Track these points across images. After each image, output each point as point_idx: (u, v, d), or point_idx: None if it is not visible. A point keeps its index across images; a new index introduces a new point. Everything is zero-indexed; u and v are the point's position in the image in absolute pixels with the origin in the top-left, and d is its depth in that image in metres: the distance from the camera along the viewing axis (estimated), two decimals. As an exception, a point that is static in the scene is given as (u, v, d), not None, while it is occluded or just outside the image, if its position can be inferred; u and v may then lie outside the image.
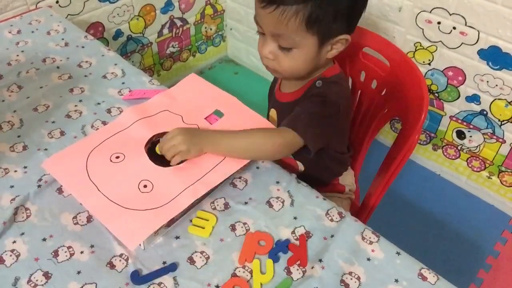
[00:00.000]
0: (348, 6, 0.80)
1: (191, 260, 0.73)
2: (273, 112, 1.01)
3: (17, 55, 1.12)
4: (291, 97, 0.94)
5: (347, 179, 1.07)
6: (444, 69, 1.51)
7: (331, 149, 0.97)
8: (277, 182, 0.85)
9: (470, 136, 1.59)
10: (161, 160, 0.82)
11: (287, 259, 0.73)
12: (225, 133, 0.84)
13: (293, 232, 0.77)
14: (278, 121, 0.99)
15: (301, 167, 0.99)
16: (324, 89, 0.89)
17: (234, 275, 0.71)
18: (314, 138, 0.85)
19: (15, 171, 0.85)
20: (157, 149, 0.83)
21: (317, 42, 0.82)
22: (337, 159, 1.01)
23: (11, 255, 0.72)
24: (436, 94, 1.58)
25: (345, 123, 0.99)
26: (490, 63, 1.39)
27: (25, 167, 0.86)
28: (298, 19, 0.78)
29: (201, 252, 0.74)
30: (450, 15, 1.38)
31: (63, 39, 1.19)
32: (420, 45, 1.51)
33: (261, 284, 0.70)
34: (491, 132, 1.52)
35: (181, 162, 0.82)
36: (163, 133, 0.87)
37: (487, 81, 1.43)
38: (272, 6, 0.78)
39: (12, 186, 0.82)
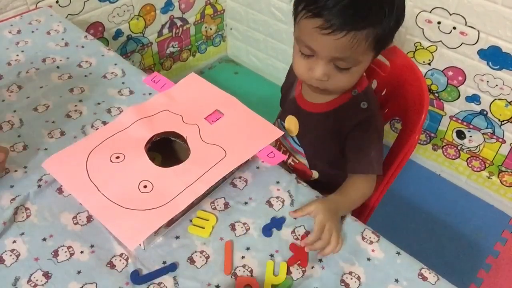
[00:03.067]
0: (403, 15, 0.78)
1: (191, 260, 0.73)
2: (292, 119, 0.97)
3: (17, 55, 1.12)
4: (320, 108, 0.91)
5: None
6: (444, 69, 1.51)
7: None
8: (277, 182, 0.85)
9: (470, 136, 1.59)
10: (161, 161, 0.82)
11: (287, 259, 0.73)
12: (343, 199, 0.82)
13: (293, 232, 0.77)
14: (300, 129, 0.96)
15: (315, 175, 0.99)
16: (370, 111, 0.87)
17: (234, 274, 0.71)
18: (382, 162, 0.88)
19: (15, 171, 0.85)
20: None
21: (373, 56, 0.80)
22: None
23: (11, 255, 0.72)
24: (436, 94, 1.58)
25: None
26: (490, 63, 1.39)
27: (25, 167, 0.86)
28: (368, 42, 0.74)
29: (201, 252, 0.74)
30: (450, 15, 1.38)
31: (63, 39, 1.19)
32: (420, 45, 1.51)
33: (271, 285, 0.70)
34: (491, 132, 1.52)
35: (181, 162, 0.82)
36: (163, 133, 0.87)
37: (487, 81, 1.43)
38: (341, 33, 0.71)
39: (12, 186, 0.82)
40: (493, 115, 1.48)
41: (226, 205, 0.81)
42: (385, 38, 0.77)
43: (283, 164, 1.01)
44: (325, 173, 0.99)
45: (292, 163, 1.01)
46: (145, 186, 0.78)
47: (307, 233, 0.77)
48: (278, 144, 1.04)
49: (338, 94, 0.89)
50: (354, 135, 0.88)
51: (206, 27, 2.08)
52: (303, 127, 0.95)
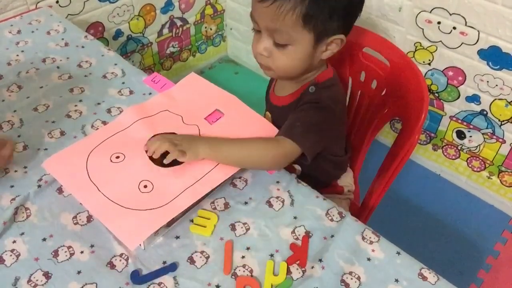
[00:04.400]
0: (345, 6, 0.81)
1: (191, 260, 0.73)
2: (267, 116, 1.01)
3: (17, 55, 1.12)
4: (284, 100, 0.94)
5: (346, 180, 1.07)
6: (444, 69, 1.51)
7: (328, 153, 0.96)
8: (277, 182, 0.85)
9: (470, 136, 1.59)
10: (161, 161, 0.82)
11: (286, 258, 0.73)
12: (223, 141, 0.83)
13: (293, 232, 0.77)
14: (273, 124, 0.98)
15: (298, 169, 0.99)
16: (317, 94, 0.88)
17: (234, 274, 0.71)
18: (311, 146, 0.84)
19: (15, 171, 0.85)
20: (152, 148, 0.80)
21: (312, 40, 0.82)
22: (334, 162, 1.01)
23: (11, 255, 0.72)
24: (436, 94, 1.58)
25: (341, 127, 0.98)
26: (490, 63, 1.39)
27: (25, 167, 0.86)
28: (295, 14, 0.77)
29: (201, 252, 0.74)
30: (450, 15, 1.38)
31: (63, 39, 1.19)
32: (420, 45, 1.51)
33: (271, 285, 0.70)
34: (491, 132, 1.52)
35: (181, 162, 0.82)
36: (163, 133, 0.87)
37: (487, 81, 1.43)
38: (268, 1, 0.77)
39: (12, 186, 0.82)
40: (493, 115, 1.48)
41: (226, 205, 0.81)
42: (317, 21, 0.79)
43: None
44: (306, 167, 0.98)
45: None
46: (145, 186, 0.78)
47: (307, 233, 0.77)
48: None
49: (298, 85, 0.91)
50: (294, 112, 0.88)
51: (206, 27, 2.08)
52: (275, 121, 0.96)
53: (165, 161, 0.79)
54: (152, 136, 0.86)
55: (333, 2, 0.79)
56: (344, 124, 1.01)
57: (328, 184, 1.05)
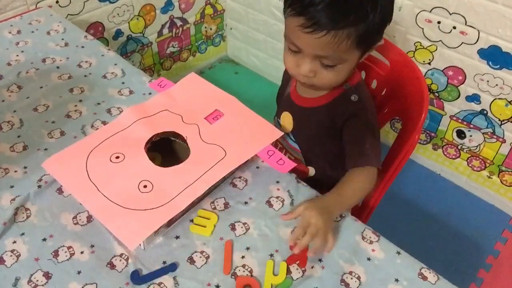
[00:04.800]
0: (390, 12, 0.80)
1: (191, 260, 0.73)
2: (287, 116, 0.97)
3: (17, 55, 1.12)
4: (313, 102, 0.92)
5: None
6: (444, 69, 1.51)
7: (343, 158, 0.96)
8: (277, 182, 0.85)
9: (470, 136, 1.59)
10: (161, 161, 0.83)
11: (285, 256, 0.73)
12: (340, 196, 0.81)
13: (293, 232, 0.77)
14: (294, 125, 0.96)
15: (311, 172, 0.99)
16: (361, 103, 0.88)
17: (234, 274, 0.71)
18: (380, 156, 0.87)
19: (15, 171, 0.85)
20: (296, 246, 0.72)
21: (361, 54, 0.81)
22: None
23: (11, 255, 0.72)
24: (436, 94, 1.58)
25: None
26: (490, 63, 1.39)
27: (25, 167, 0.86)
28: (350, 41, 0.75)
29: (201, 252, 0.74)
30: (450, 14, 1.38)
31: (63, 39, 1.19)
32: (420, 45, 1.51)
33: (271, 284, 0.70)
34: (491, 131, 1.52)
35: (181, 162, 0.82)
36: (163, 133, 0.87)
37: (487, 81, 1.43)
38: (321, 32, 0.73)
39: (12, 186, 0.82)
40: (493, 114, 1.48)
41: (226, 205, 0.81)
42: (370, 36, 0.78)
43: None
44: (321, 170, 0.99)
45: (280, 147, 1.01)
46: (145, 186, 0.78)
47: (307, 233, 0.77)
48: (275, 141, 1.04)
49: (329, 89, 0.89)
50: (347, 130, 0.88)
51: (206, 27, 2.08)
52: (297, 122, 0.96)
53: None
54: (154, 135, 0.85)
55: (385, 13, 0.77)
56: None
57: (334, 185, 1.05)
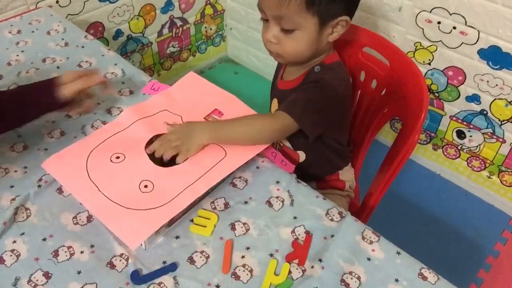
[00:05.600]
0: None
1: (191, 260, 0.73)
2: (274, 102, 1.02)
3: (17, 55, 1.12)
4: (291, 84, 0.96)
5: (348, 175, 1.07)
6: (444, 69, 1.51)
7: (330, 138, 0.97)
8: (277, 182, 0.85)
9: (470, 136, 1.59)
10: (161, 160, 0.82)
11: (285, 255, 0.73)
12: (223, 122, 0.87)
13: (293, 232, 0.77)
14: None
15: (302, 156, 0.99)
16: (321, 74, 0.90)
17: (234, 274, 0.71)
18: (311, 124, 0.87)
19: (15, 171, 0.85)
20: (153, 150, 0.82)
21: (317, 23, 0.84)
22: (337, 151, 1.02)
23: (11, 255, 0.72)
24: (436, 94, 1.58)
25: (345, 111, 0.99)
26: (490, 63, 1.39)
27: (25, 167, 0.86)
28: (298, 0, 0.80)
29: (201, 252, 0.74)
30: (450, 14, 1.38)
31: (63, 39, 1.19)
32: (420, 45, 1.51)
33: (270, 284, 0.70)
34: (491, 132, 1.52)
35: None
36: (163, 134, 0.87)
37: (487, 81, 1.43)
38: None
39: (12, 186, 0.82)
40: (493, 114, 1.48)
41: (226, 205, 0.81)
42: (319, 4, 0.81)
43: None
44: (310, 152, 0.99)
45: (279, 148, 1.01)
46: (145, 186, 0.78)
47: (307, 232, 0.77)
48: None
49: (305, 68, 0.93)
50: (297, 91, 0.91)
51: (206, 27, 2.08)
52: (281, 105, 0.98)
53: (177, 161, 0.81)
54: (154, 136, 0.86)
55: None
56: (349, 110, 1.03)
57: (330, 176, 1.05)
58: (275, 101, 1.02)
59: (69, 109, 0.93)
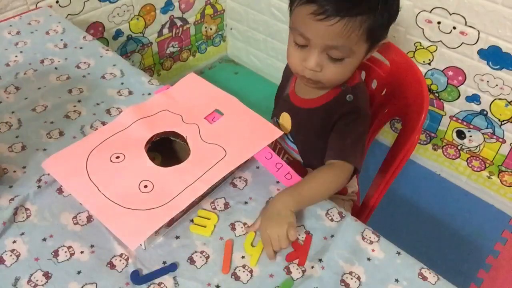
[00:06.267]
0: (397, 11, 0.80)
1: (191, 260, 0.73)
2: (286, 116, 0.97)
3: (16, 56, 1.12)
4: (311, 103, 0.91)
5: (350, 181, 1.07)
6: (444, 69, 1.51)
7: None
8: (277, 182, 0.85)
9: (470, 136, 1.59)
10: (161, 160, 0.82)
11: (285, 255, 0.73)
12: (299, 188, 0.79)
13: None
14: (292, 126, 0.96)
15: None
16: (356, 103, 0.87)
17: (234, 274, 0.71)
18: (361, 160, 0.85)
19: (14, 171, 0.85)
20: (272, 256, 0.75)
21: (368, 48, 0.79)
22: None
23: (11, 255, 0.72)
24: (436, 94, 1.58)
25: None
26: (490, 63, 1.39)
27: (24, 168, 0.85)
28: (361, 30, 0.74)
29: (201, 252, 0.74)
30: (450, 15, 1.38)
31: (61, 39, 1.19)
32: (420, 45, 1.51)
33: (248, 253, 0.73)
34: (491, 132, 1.52)
35: (181, 162, 0.82)
36: (163, 133, 0.87)
37: (487, 81, 1.43)
38: (334, 19, 0.72)
39: (11, 186, 0.82)
40: (493, 115, 1.48)
41: (226, 205, 0.81)
42: (378, 30, 0.77)
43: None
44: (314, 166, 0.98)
45: (287, 161, 1.01)
46: (145, 186, 0.77)
47: (307, 232, 0.77)
48: (274, 142, 1.04)
49: (329, 89, 0.89)
50: (335, 126, 0.88)
51: (206, 27, 2.08)
52: (296, 123, 0.96)
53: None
54: (154, 135, 0.85)
55: (393, 10, 0.78)
56: None
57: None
58: (286, 116, 0.96)
59: None
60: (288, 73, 0.99)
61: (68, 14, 1.51)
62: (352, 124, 0.86)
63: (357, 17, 0.72)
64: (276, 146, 1.03)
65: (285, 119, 0.98)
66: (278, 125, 1.00)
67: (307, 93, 0.92)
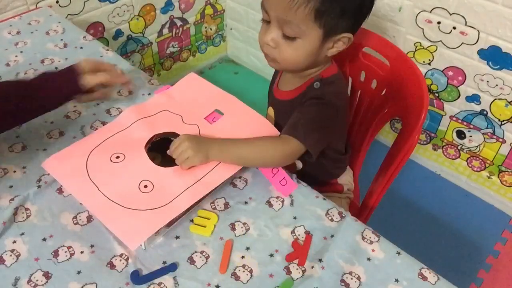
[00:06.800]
0: (357, 6, 0.82)
1: (191, 260, 0.73)
2: (270, 110, 1.01)
3: (16, 56, 1.12)
4: (288, 95, 0.95)
5: (345, 178, 1.07)
6: (444, 69, 1.51)
7: (330, 150, 0.96)
8: (277, 182, 0.85)
9: (470, 136, 1.59)
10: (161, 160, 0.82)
11: (285, 255, 0.73)
12: (231, 141, 0.84)
13: (293, 232, 0.77)
14: (275, 119, 0.99)
15: (298, 165, 0.99)
16: (321, 90, 0.89)
17: (234, 274, 0.71)
18: (315, 143, 0.85)
19: (14, 171, 0.85)
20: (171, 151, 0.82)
21: (321, 36, 0.82)
22: (334, 160, 1.01)
23: (11, 255, 0.72)
24: (436, 94, 1.58)
25: (344, 124, 0.99)
26: (490, 63, 1.39)
27: (24, 167, 0.85)
28: (308, 8, 0.78)
29: (201, 252, 0.74)
30: (450, 15, 1.38)
31: (62, 39, 1.19)
32: (420, 45, 1.51)
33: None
34: (491, 132, 1.52)
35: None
36: (163, 133, 0.87)
37: (487, 81, 1.43)
38: None
39: (11, 186, 0.82)
40: (493, 115, 1.48)
41: (226, 205, 0.81)
42: (328, 17, 0.80)
43: None
44: (305, 161, 0.98)
45: None
46: (145, 186, 0.77)
47: (306, 232, 0.77)
48: None
49: (302, 80, 0.92)
50: (298, 109, 0.89)
51: (206, 27, 2.08)
52: (278, 116, 0.98)
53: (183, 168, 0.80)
54: (154, 136, 0.86)
55: (346, 1, 0.80)
56: (347, 121, 1.02)
57: (327, 183, 1.05)
58: (271, 109, 1.01)
59: (83, 99, 0.93)
60: (276, 70, 1.03)
61: (68, 14, 1.51)
62: (311, 108, 0.87)
63: None
64: None
65: (270, 113, 1.01)
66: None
67: (285, 85, 0.96)
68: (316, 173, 0.98)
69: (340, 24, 0.82)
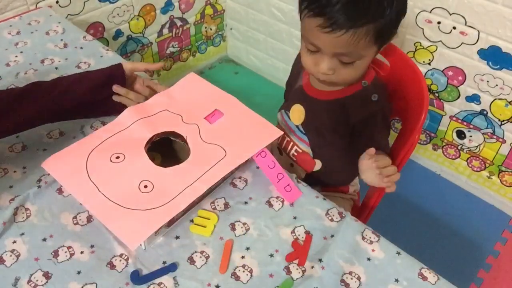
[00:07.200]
0: (404, 11, 0.80)
1: (191, 260, 0.73)
2: (298, 108, 0.97)
3: (16, 56, 1.12)
4: (330, 95, 0.92)
5: (354, 179, 1.07)
6: (444, 69, 1.50)
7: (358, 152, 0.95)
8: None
9: (470, 136, 1.59)
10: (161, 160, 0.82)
11: (285, 255, 0.73)
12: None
13: (292, 232, 0.77)
14: (306, 116, 0.96)
15: (318, 165, 0.98)
16: (381, 103, 0.89)
17: (234, 274, 0.71)
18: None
19: (14, 171, 0.85)
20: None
21: (377, 50, 0.82)
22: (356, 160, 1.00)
23: (11, 255, 0.72)
24: (436, 94, 1.58)
25: None
26: (490, 63, 1.39)
27: (24, 168, 0.85)
28: (368, 37, 0.76)
29: (201, 252, 0.74)
30: (450, 15, 1.38)
31: (62, 39, 1.19)
32: (420, 45, 1.51)
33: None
34: (491, 132, 1.52)
35: (181, 162, 0.82)
36: (163, 133, 0.87)
37: (487, 81, 1.43)
38: (340, 31, 0.74)
39: (11, 186, 0.82)
40: (493, 115, 1.48)
41: (226, 205, 0.81)
42: (387, 31, 0.79)
43: (286, 156, 1.01)
44: (328, 164, 0.98)
45: (295, 153, 1.00)
46: (145, 186, 0.77)
47: (307, 232, 0.77)
48: (282, 135, 1.03)
49: (346, 85, 0.90)
50: (365, 128, 0.90)
51: (206, 27, 2.08)
52: (310, 114, 0.95)
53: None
54: (154, 136, 0.85)
55: (401, 14, 0.79)
56: None
57: (346, 183, 1.05)
58: (299, 107, 0.97)
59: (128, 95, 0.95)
60: (299, 66, 0.99)
61: (68, 14, 1.51)
62: (381, 126, 0.92)
63: (363, 27, 0.74)
64: (284, 139, 1.03)
65: (298, 110, 0.97)
66: (288, 117, 0.99)
67: (322, 84, 0.92)
68: (332, 175, 0.98)
69: (394, 32, 0.81)
